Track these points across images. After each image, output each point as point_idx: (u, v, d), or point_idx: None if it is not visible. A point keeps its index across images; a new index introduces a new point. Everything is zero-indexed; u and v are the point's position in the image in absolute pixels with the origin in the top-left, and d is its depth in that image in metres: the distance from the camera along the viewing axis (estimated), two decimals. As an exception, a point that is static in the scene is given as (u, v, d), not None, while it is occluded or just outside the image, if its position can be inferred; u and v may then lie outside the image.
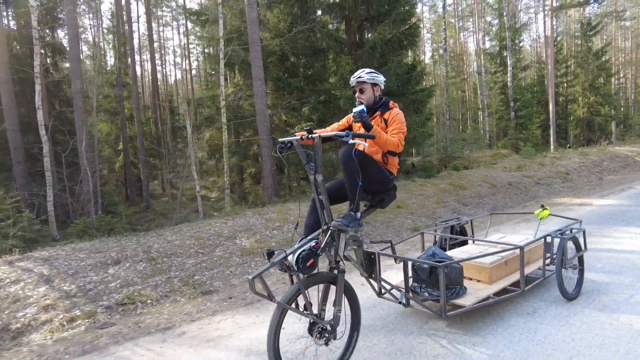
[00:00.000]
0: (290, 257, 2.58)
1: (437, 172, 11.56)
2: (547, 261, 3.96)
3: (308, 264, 2.56)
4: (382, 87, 3.20)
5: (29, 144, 11.36)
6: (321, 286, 2.77)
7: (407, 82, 10.47)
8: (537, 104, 20.62)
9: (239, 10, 10.21)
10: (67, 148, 10.22)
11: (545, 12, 23.81)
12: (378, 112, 3.10)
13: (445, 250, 4.36)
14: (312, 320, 2.67)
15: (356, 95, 3.16)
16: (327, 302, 2.78)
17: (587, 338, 3.22)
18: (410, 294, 3.29)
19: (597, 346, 3.10)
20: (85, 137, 9.27)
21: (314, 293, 2.73)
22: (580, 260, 4.16)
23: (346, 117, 3.24)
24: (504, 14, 18.60)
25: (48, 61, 12.88)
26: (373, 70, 3.14)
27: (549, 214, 4.43)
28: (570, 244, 4.03)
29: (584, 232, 4.34)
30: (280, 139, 2.95)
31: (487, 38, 24.57)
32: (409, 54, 12.23)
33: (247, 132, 11.46)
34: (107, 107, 18.49)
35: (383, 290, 3.53)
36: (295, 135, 2.88)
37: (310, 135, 2.75)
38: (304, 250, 2.59)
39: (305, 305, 2.64)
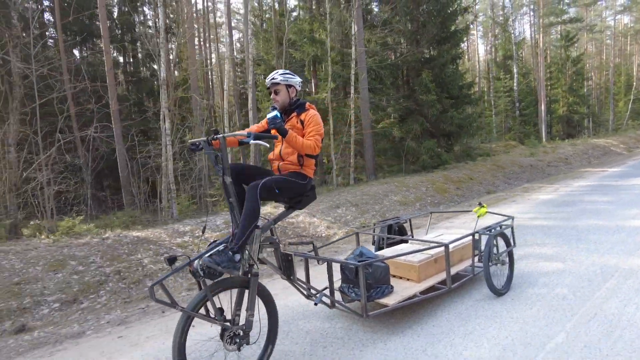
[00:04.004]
0: (196, 263, 2.51)
1: (474, 158, 15.15)
2: (476, 258, 3.92)
3: None
4: (298, 88, 3.12)
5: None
6: (235, 290, 2.71)
7: (461, 88, 14.04)
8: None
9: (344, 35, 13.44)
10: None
11: (536, 29, 28.11)
12: (294, 113, 3.04)
13: (382, 249, 4.43)
14: (222, 327, 2.61)
15: (272, 97, 3.09)
16: (242, 307, 2.71)
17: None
18: (333, 296, 3.27)
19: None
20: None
21: (229, 297, 2.68)
22: (510, 256, 4.12)
23: (265, 119, 2.99)
24: (510, 30, 22.66)
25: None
26: (288, 72, 3.08)
27: (487, 212, 4.41)
28: (499, 241, 4.04)
29: (512, 228, 4.29)
30: (190, 140, 2.87)
31: (493, 49, 28.60)
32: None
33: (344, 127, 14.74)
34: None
35: (313, 291, 3.30)
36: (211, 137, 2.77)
37: (215, 137, 2.68)
38: (210, 255, 2.52)
39: (215, 311, 2.56)
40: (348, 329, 3.49)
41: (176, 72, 12.33)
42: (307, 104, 3.13)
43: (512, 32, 23.53)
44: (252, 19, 29.75)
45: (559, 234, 6.22)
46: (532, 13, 31.44)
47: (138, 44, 15.33)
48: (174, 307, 2.45)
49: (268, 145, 2.80)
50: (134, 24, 16.16)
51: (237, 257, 2.59)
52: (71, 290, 5.08)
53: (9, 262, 5.54)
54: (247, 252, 2.69)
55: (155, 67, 15.99)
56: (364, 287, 3.09)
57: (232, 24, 27.01)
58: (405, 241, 4.57)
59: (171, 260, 2.51)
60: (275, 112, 2.82)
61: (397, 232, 4.74)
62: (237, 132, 2.74)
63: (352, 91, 11.98)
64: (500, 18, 29.35)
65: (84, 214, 7.90)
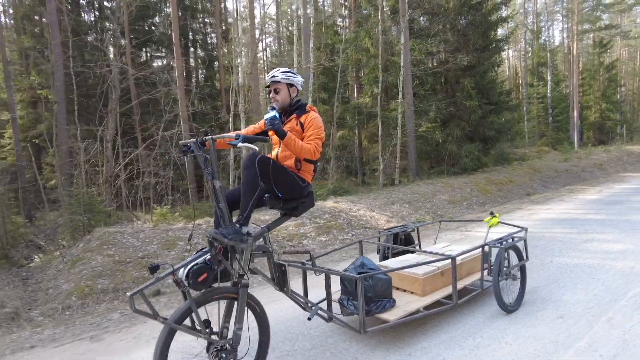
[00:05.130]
0: (181, 272, 2.40)
1: (510, 162, 15.68)
2: (486, 272, 3.72)
3: (200, 279, 2.39)
4: (300, 88, 2.97)
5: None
6: (224, 302, 2.60)
7: (500, 95, 14.66)
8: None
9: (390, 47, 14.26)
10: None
11: (569, 36, 28.25)
12: (294, 115, 2.88)
13: (387, 259, 4.24)
14: (207, 340, 2.50)
15: (270, 96, 2.93)
16: (231, 319, 2.58)
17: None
18: (331, 310, 3.08)
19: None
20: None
21: (217, 310, 2.58)
22: (522, 270, 3.91)
23: (263, 119, 2.86)
24: (543, 37, 23.06)
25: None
26: (289, 70, 2.93)
27: (498, 222, 4.25)
28: (511, 254, 3.81)
29: (525, 241, 4.04)
30: (181, 142, 2.74)
31: (526, 56, 28.87)
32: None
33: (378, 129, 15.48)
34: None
35: (310, 304, 3.18)
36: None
37: (204, 138, 2.58)
38: (196, 264, 2.42)
39: (199, 324, 2.45)
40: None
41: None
42: (308, 105, 2.95)
43: (546, 39, 23.90)
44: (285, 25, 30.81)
45: (614, 226, 7.04)
46: (564, 19, 31.53)
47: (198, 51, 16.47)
48: (155, 319, 2.33)
49: (257, 149, 2.58)
50: (187, 32, 17.33)
51: (245, 229, 2.52)
52: (186, 264, 6.04)
53: (129, 241, 6.55)
54: (236, 261, 2.56)
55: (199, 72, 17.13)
56: (362, 302, 2.89)
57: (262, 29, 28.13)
58: (411, 251, 4.31)
59: (153, 268, 2.33)
60: (274, 113, 2.71)
61: (403, 241, 4.55)
62: (225, 134, 2.65)
63: (400, 97, 12.74)
64: (530, 23, 29.59)
65: (170, 204, 8.91)
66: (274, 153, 2.95)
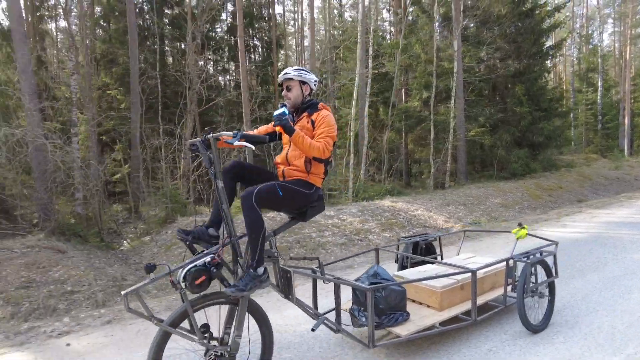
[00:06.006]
0: (179, 273, 2.34)
1: (558, 168, 15.67)
2: (509, 287, 3.51)
3: (197, 281, 2.31)
4: (313, 87, 2.90)
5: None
6: (226, 307, 2.54)
7: (550, 101, 14.73)
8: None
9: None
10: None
11: (620, 40, 27.50)
12: (305, 113, 2.82)
13: (405, 268, 4.10)
14: (204, 346, 2.44)
15: (283, 93, 2.88)
16: (232, 325, 2.52)
17: None
18: (339, 321, 2.94)
19: None
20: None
21: (218, 313, 2.53)
22: (551, 288, 3.70)
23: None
24: (593, 42, 22.68)
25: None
26: (302, 68, 2.89)
27: (527, 234, 4.02)
28: (538, 269, 3.61)
29: (555, 256, 3.78)
30: (190, 141, 2.70)
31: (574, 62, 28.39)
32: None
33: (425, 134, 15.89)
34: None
35: (317, 314, 3.15)
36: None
37: (206, 137, 2.55)
38: (195, 266, 2.34)
39: (196, 328, 2.38)
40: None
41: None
42: (321, 103, 2.88)
43: (599, 44, 23.41)
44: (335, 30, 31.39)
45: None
46: (616, 23, 30.64)
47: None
48: (149, 320, 2.30)
49: (253, 148, 2.52)
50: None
51: (261, 270, 2.46)
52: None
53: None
54: (239, 264, 2.55)
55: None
56: (372, 314, 2.77)
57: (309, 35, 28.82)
58: (432, 262, 4.15)
59: (149, 268, 2.30)
60: (283, 109, 2.58)
61: (424, 251, 4.39)
62: (224, 132, 2.52)
63: (453, 102, 13.09)
64: (578, 27, 28.96)
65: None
66: (283, 153, 2.87)
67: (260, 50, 18.42)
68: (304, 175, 2.74)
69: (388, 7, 23.74)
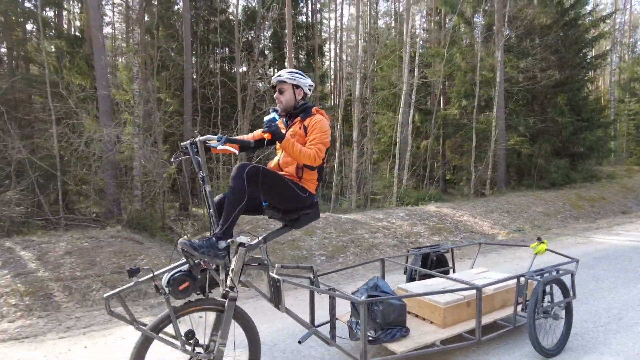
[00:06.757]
0: (164, 278, 2.31)
1: (599, 179, 15.55)
2: (520, 307, 3.28)
3: (181, 287, 2.27)
4: (307, 91, 2.81)
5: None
6: (213, 314, 2.47)
7: (593, 112, 14.70)
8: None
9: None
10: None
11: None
12: (298, 118, 2.74)
13: (414, 280, 3.97)
14: (186, 353, 2.38)
15: (275, 96, 2.80)
16: (218, 332, 2.44)
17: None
18: (333, 333, 2.88)
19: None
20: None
21: (205, 320, 2.46)
22: (568, 309, 3.43)
23: None
24: (637, 51, 22.27)
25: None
26: (296, 71, 2.80)
27: (546, 249, 3.82)
28: (554, 289, 3.39)
29: (572, 275, 3.52)
30: (182, 144, 2.63)
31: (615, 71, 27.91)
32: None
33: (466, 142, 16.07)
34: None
35: (316, 322, 3.14)
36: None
37: (194, 140, 2.49)
38: (179, 272, 2.31)
39: (178, 335, 2.32)
40: None
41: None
42: (314, 108, 2.78)
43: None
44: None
45: None
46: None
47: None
48: (131, 324, 2.27)
49: (237, 152, 2.53)
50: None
51: (222, 243, 2.34)
52: (327, 250, 7.20)
53: (273, 227, 7.85)
54: (229, 271, 2.44)
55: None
56: (365, 328, 2.67)
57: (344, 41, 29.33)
58: (447, 272, 4.05)
59: (132, 272, 2.26)
60: (273, 115, 2.54)
61: (434, 263, 4.22)
62: (210, 136, 2.47)
63: (495, 111, 13.28)
64: (618, 35, 28.36)
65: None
66: (276, 159, 2.81)
67: (301, 57, 19.04)
68: (296, 180, 2.70)
69: (424, 16, 23.98)
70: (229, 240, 2.39)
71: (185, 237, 2.39)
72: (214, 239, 2.34)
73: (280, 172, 2.71)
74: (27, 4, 12.29)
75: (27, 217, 7.95)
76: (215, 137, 2.40)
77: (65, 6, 15.75)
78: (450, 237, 8.36)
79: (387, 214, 9.07)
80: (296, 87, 2.76)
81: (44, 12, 11.29)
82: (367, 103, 14.14)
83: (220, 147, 2.41)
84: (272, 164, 2.83)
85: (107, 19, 20.94)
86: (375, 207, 10.82)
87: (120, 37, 23.28)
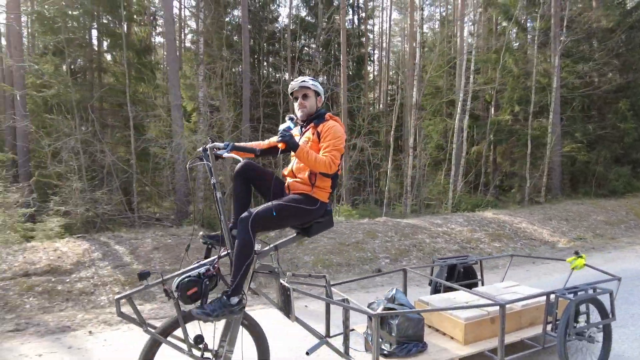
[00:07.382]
0: (174, 282, 2.33)
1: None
2: (549, 326, 3.07)
3: (189, 292, 2.29)
4: (323, 100, 2.86)
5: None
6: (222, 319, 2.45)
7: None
8: None
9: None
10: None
11: None
12: (312, 124, 2.71)
13: (439, 292, 3.85)
14: (193, 358, 2.42)
15: (298, 102, 2.74)
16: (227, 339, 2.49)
17: None
18: (347, 345, 2.84)
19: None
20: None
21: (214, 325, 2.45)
22: (606, 332, 3.20)
23: None
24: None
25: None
26: (316, 79, 2.82)
27: (584, 264, 3.57)
28: (591, 308, 3.16)
29: (612, 294, 3.22)
30: (199, 149, 2.65)
31: None
32: None
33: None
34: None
35: (332, 332, 3.13)
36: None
37: (205, 147, 2.49)
38: (188, 277, 2.32)
39: (186, 340, 2.37)
40: None
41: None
42: (328, 114, 2.75)
43: None
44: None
45: None
46: None
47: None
48: (140, 327, 2.29)
49: (241, 160, 2.47)
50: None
51: (234, 299, 2.36)
52: (391, 252, 7.47)
53: (339, 229, 8.20)
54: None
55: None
56: (376, 342, 2.60)
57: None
58: (475, 284, 3.94)
59: (143, 275, 2.30)
60: (288, 123, 2.52)
61: (462, 275, 4.04)
62: (218, 144, 2.50)
63: (551, 117, 13.07)
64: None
65: (344, 202, 10.57)
66: (290, 166, 2.79)
67: (350, 64, 19.42)
68: (308, 189, 2.64)
69: (473, 21, 23.71)
70: (241, 295, 2.41)
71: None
72: (224, 297, 2.36)
73: (294, 179, 2.71)
74: (104, 20, 13.39)
75: (112, 215, 8.76)
76: (222, 144, 2.47)
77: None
78: (511, 243, 8.40)
79: (445, 219, 9.21)
80: (317, 94, 2.77)
81: (120, 26, 12.25)
82: (424, 109, 14.28)
83: (226, 154, 2.44)
84: (286, 170, 2.83)
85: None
86: (429, 212, 10.96)
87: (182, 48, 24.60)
